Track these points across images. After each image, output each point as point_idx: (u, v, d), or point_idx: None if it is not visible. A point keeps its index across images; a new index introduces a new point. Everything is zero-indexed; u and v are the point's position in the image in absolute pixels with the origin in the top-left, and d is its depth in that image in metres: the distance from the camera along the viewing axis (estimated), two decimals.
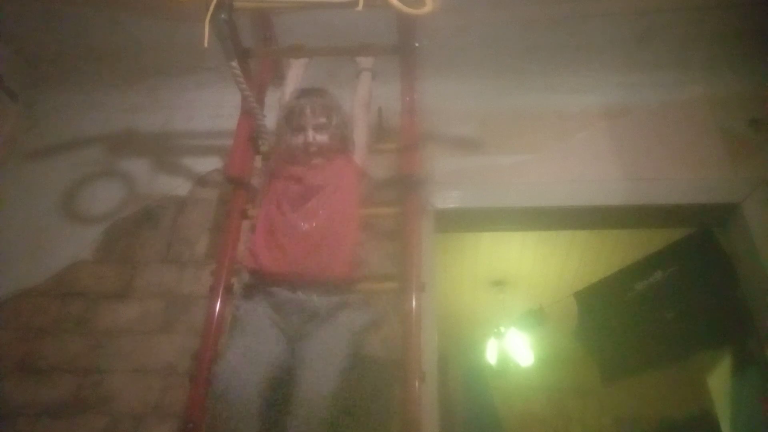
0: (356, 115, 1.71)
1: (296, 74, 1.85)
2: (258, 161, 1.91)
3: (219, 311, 1.58)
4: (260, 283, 1.50)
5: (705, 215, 2.17)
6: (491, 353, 4.26)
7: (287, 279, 1.47)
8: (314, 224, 1.50)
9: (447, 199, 2.09)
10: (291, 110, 1.63)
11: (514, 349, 4.14)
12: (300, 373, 1.36)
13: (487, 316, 4.24)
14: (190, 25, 1.49)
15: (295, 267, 1.46)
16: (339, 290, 1.49)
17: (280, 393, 1.38)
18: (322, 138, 1.59)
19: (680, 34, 2.17)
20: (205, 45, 1.31)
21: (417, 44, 1.70)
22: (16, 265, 2.06)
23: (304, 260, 1.47)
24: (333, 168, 1.60)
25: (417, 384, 1.45)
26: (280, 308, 1.46)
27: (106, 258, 2.06)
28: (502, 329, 4.20)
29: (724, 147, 2.13)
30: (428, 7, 1.32)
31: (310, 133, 1.58)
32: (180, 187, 2.19)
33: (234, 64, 1.50)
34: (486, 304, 4.15)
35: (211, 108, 2.35)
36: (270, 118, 1.84)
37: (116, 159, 2.29)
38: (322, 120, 1.60)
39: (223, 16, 1.39)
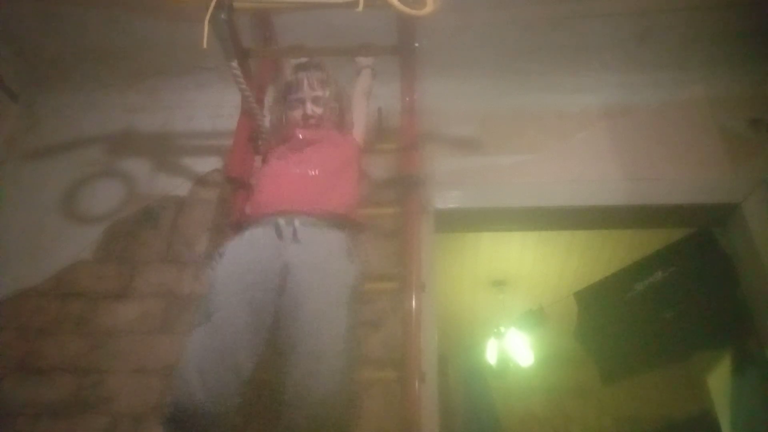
0: (356, 100, 1.73)
1: None
2: (258, 161, 1.91)
3: None
4: (238, 232, 1.42)
5: (705, 215, 2.17)
6: (491, 353, 4.25)
7: (267, 216, 1.38)
8: (307, 168, 1.46)
9: (447, 199, 2.09)
10: (289, 84, 1.65)
11: (514, 349, 4.13)
12: (291, 358, 1.19)
13: (487, 316, 4.23)
14: (190, 25, 1.48)
15: (279, 205, 1.38)
16: (325, 221, 1.39)
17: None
18: (319, 110, 1.62)
19: (680, 34, 2.17)
20: (205, 45, 1.31)
21: (417, 44, 1.70)
22: (16, 265, 2.06)
23: (291, 197, 1.40)
24: (330, 134, 1.62)
25: (417, 384, 1.45)
26: (255, 246, 1.35)
27: (106, 258, 2.06)
28: (502, 329, 4.20)
29: (724, 147, 2.13)
30: (428, 8, 1.32)
31: (309, 105, 1.62)
32: (180, 187, 2.19)
33: (234, 64, 1.51)
34: (486, 304, 4.15)
35: (211, 108, 2.35)
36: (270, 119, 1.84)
37: (116, 159, 2.28)
38: (319, 93, 1.63)
39: (223, 16, 1.39)
